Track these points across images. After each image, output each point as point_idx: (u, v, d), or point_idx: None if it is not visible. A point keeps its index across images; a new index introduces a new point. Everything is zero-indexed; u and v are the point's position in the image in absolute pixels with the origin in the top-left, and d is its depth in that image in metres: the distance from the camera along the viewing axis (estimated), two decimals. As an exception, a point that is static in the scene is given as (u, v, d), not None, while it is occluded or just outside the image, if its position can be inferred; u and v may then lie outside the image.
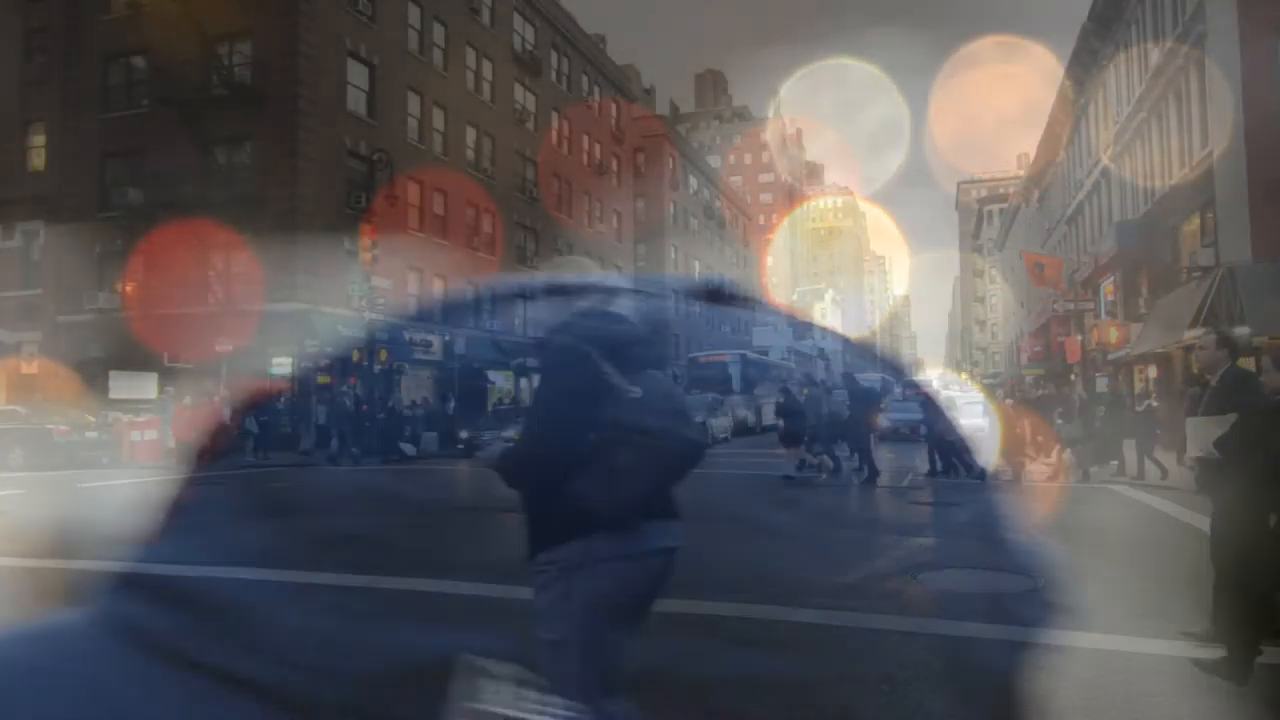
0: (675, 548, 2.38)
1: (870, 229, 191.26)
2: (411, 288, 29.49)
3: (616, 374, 2.23)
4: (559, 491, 2.23)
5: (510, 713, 2.20)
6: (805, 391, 15.66)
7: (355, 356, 22.84)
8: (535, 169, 38.43)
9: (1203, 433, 4.50)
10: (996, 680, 4.06)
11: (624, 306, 2.49)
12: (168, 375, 23.59)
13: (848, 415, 14.93)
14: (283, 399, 23.64)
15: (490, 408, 29.97)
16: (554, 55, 41.03)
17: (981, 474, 14.06)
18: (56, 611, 5.69)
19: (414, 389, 27.66)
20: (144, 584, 6.10)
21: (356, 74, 27.40)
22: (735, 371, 35.96)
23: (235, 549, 7.60)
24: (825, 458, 15.06)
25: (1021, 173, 71.46)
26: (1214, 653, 4.19)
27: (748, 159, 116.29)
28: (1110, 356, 26.45)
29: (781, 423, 14.89)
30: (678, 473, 2.34)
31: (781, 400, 15.04)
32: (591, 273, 2.54)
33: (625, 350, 2.30)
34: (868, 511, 10.78)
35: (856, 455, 14.78)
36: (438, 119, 31.53)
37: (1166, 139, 22.65)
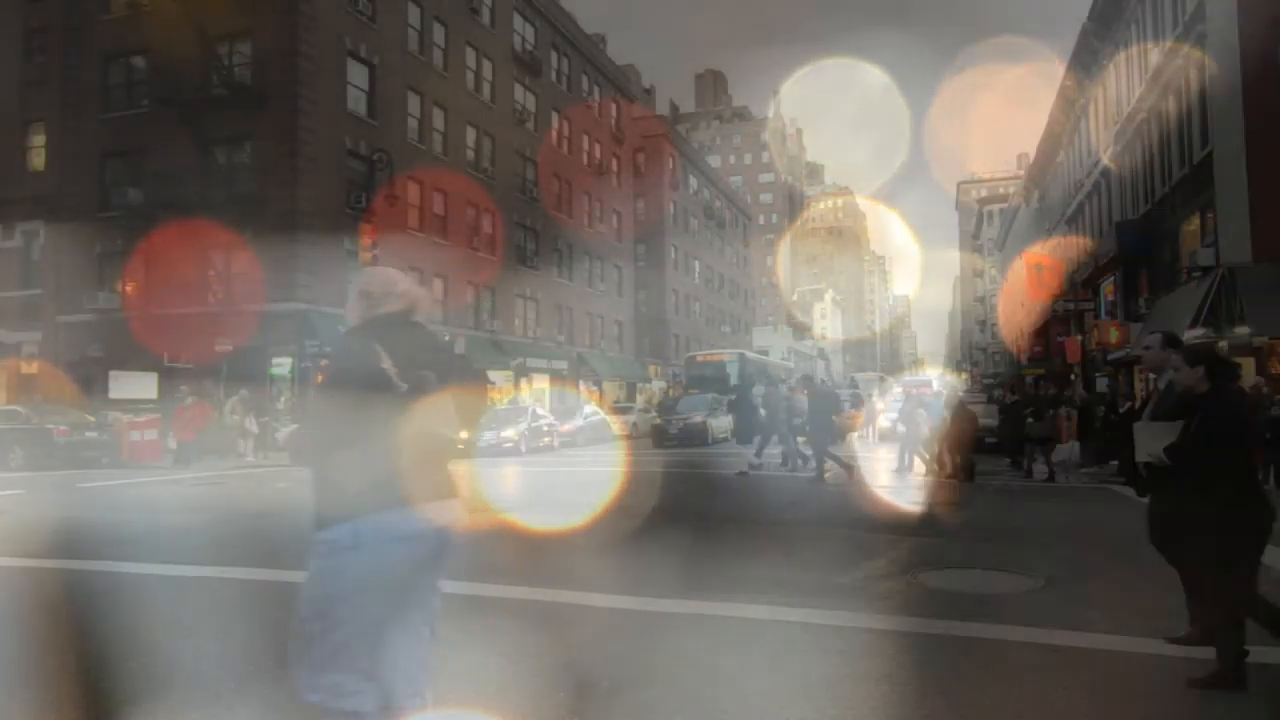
0: (449, 527, 2.63)
1: (871, 228, 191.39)
2: (411, 288, 29.46)
3: (395, 371, 2.50)
4: (334, 474, 2.48)
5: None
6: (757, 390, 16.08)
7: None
8: (535, 169, 38.44)
9: (1151, 438, 4.41)
10: (997, 680, 4.05)
11: (424, 316, 2.81)
12: (168, 375, 23.58)
13: (804, 415, 15.10)
14: (283, 399, 23.65)
15: (491, 408, 29.91)
16: (554, 55, 41.05)
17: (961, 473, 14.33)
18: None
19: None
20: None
21: (356, 74, 27.40)
22: (734, 370, 35.94)
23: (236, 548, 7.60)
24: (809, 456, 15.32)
25: (1021, 173, 71.48)
26: (1191, 651, 4.19)
27: (748, 159, 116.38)
28: (1110, 356, 26.45)
29: (731, 419, 15.16)
30: (437, 461, 2.63)
31: (733, 398, 15.38)
32: (399, 284, 2.77)
33: (411, 353, 2.59)
34: (867, 511, 10.78)
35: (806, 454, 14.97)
36: (438, 119, 31.54)
37: (1166, 139, 22.65)
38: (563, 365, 39.45)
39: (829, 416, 14.76)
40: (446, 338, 20.31)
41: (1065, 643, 4.55)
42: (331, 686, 2.48)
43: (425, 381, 2.58)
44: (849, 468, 14.13)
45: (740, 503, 11.60)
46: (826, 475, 14.14)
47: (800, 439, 16.33)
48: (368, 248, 21.76)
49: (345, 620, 2.47)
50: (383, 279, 2.78)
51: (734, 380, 34.49)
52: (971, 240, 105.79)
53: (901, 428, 16.71)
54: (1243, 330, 17.11)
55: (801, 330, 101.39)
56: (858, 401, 31.89)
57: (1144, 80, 24.11)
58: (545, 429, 25.39)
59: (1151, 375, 22.26)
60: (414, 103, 30.22)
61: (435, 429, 2.58)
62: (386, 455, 2.45)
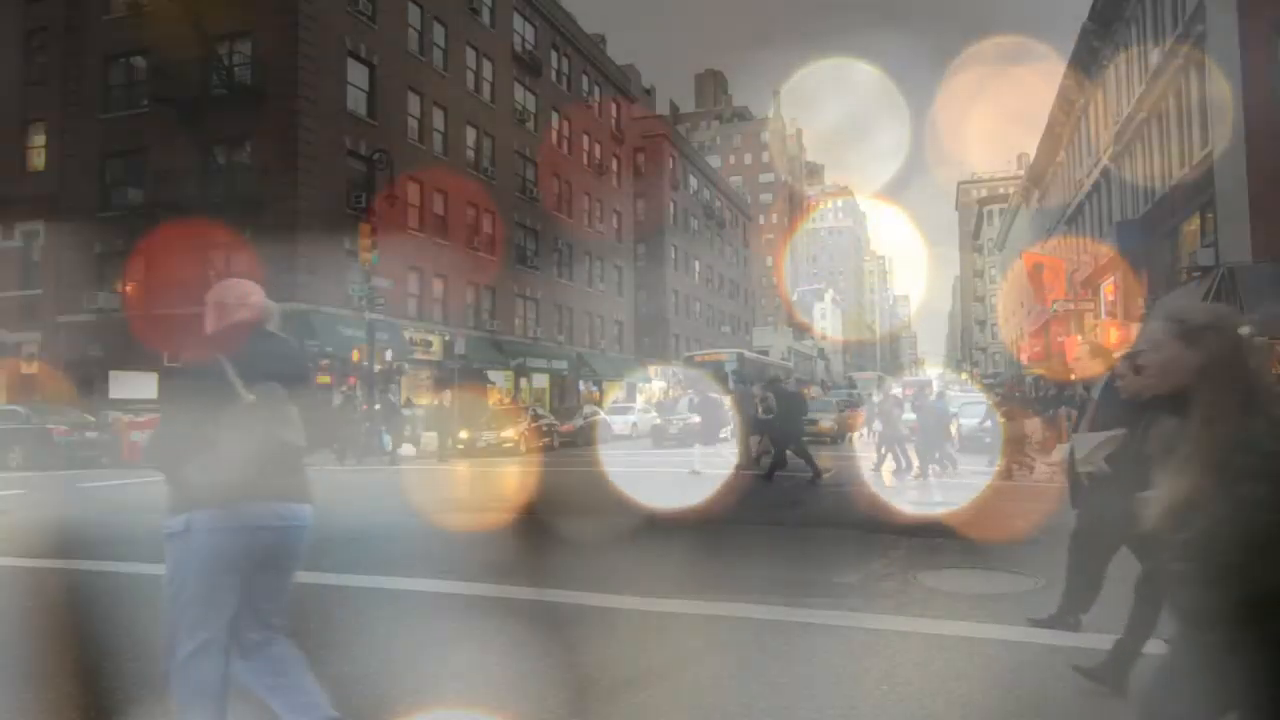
0: (291, 526, 2.83)
1: (871, 228, 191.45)
2: (411, 288, 29.49)
3: (240, 382, 2.70)
4: (180, 476, 2.75)
5: None
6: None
7: (355, 356, 22.84)
8: (535, 169, 38.44)
9: (1092, 449, 4.40)
10: (997, 680, 4.06)
11: (278, 327, 3.00)
12: (168, 375, 23.55)
13: (772, 417, 15.32)
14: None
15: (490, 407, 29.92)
16: (554, 55, 41.05)
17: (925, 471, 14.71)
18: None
19: (412, 389, 27.66)
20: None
21: (356, 74, 27.40)
22: (732, 371, 35.84)
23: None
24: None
25: (1021, 173, 71.51)
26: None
27: (748, 159, 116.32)
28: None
29: (698, 420, 15.55)
30: (279, 465, 2.81)
31: (696, 400, 15.85)
32: (252, 295, 2.93)
33: (261, 364, 2.78)
34: (867, 511, 10.78)
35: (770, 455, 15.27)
36: (438, 119, 31.54)
37: (1166, 139, 22.65)
38: (563, 365, 39.45)
39: (798, 417, 15.11)
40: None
41: (1065, 643, 4.55)
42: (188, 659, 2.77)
43: (270, 391, 2.76)
44: (770, 470, 14.44)
45: (740, 503, 11.61)
46: (827, 475, 14.17)
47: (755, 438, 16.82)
48: (367, 248, 21.77)
49: (192, 597, 2.73)
50: (237, 291, 2.95)
51: (733, 381, 34.45)
52: (971, 240, 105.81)
53: (878, 426, 16.91)
54: (1243, 330, 17.09)
55: (801, 330, 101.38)
56: (856, 401, 31.93)
57: (1144, 80, 24.11)
58: (545, 429, 25.40)
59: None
60: (414, 103, 30.22)
61: (278, 435, 2.76)
62: (229, 459, 2.66)
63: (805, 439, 22.59)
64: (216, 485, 2.68)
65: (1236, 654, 1.88)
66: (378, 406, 21.59)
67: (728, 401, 18.00)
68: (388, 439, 20.61)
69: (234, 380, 2.68)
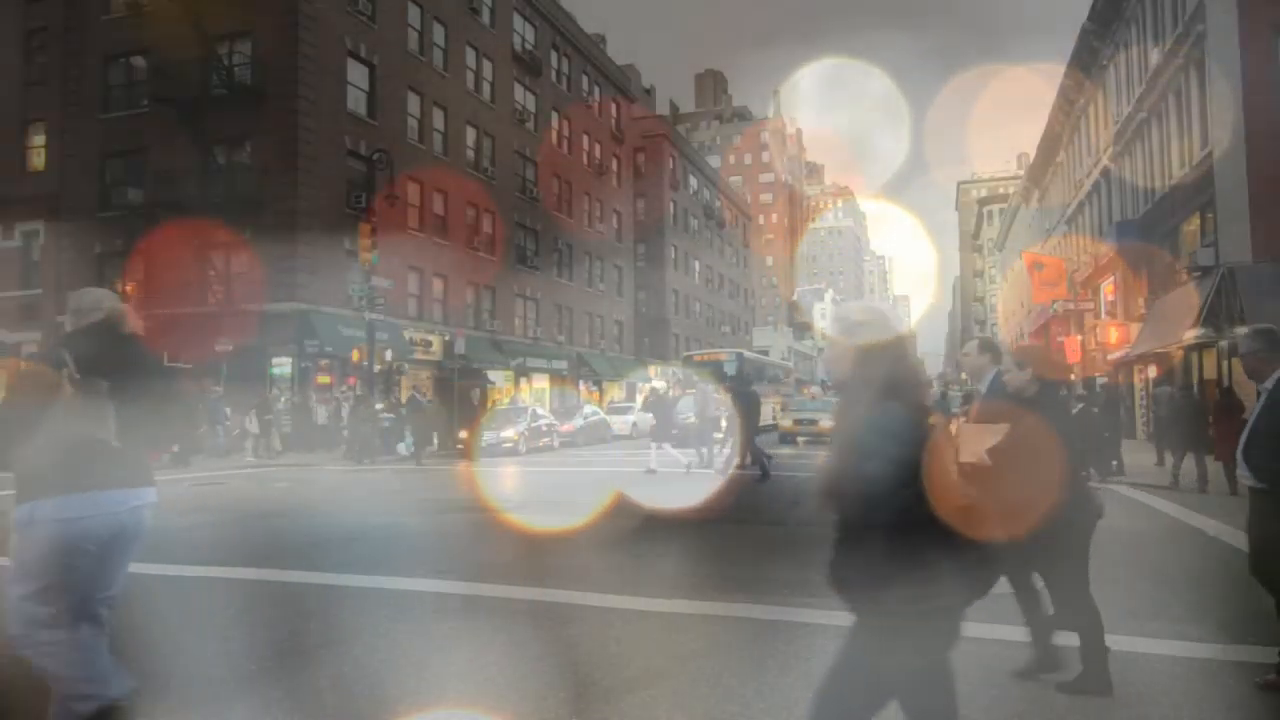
0: (136, 507, 3.04)
1: (871, 229, 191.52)
2: (411, 288, 29.50)
3: (72, 377, 2.88)
4: (17, 465, 2.90)
5: None
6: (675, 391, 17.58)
7: (355, 356, 22.85)
8: (535, 169, 38.44)
9: (974, 439, 4.45)
10: (996, 680, 4.06)
11: (134, 329, 3.19)
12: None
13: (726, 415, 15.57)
14: (283, 399, 23.63)
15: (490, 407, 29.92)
16: (554, 55, 41.05)
17: None
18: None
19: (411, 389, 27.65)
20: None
21: (356, 74, 27.40)
22: (732, 370, 35.76)
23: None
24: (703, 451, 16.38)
25: (1021, 173, 71.50)
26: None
27: (748, 159, 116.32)
28: (1110, 356, 26.46)
29: (651, 418, 15.89)
30: (98, 456, 2.94)
31: (650, 399, 16.47)
32: (105, 301, 3.14)
33: (94, 362, 2.94)
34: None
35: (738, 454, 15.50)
36: (438, 119, 31.54)
37: (1166, 139, 22.65)
38: (563, 365, 39.45)
39: (752, 415, 15.45)
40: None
41: (1062, 642, 4.55)
42: (42, 637, 2.89)
43: (91, 386, 2.91)
44: (764, 468, 14.67)
45: (740, 503, 11.61)
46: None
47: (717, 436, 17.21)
48: (367, 248, 21.77)
49: (50, 584, 2.86)
50: (91, 298, 3.20)
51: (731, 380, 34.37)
52: (971, 240, 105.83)
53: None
54: (1243, 330, 17.11)
55: (802, 330, 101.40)
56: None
57: (1144, 80, 24.12)
58: (545, 429, 25.38)
59: (1151, 373, 22.05)
60: (414, 103, 30.22)
61: (84, 430, 2.90)
62: (52, 449, 2.85)
63: (805, 439, 22.85)
64: (43, 475, 2.85)
65: (884, 631, 2.08)
66: (379, 406, 21.55)
67: (679, 402, 18.54)
68: (410, 440, 20.59)
69: (66, 373, 2.87)
